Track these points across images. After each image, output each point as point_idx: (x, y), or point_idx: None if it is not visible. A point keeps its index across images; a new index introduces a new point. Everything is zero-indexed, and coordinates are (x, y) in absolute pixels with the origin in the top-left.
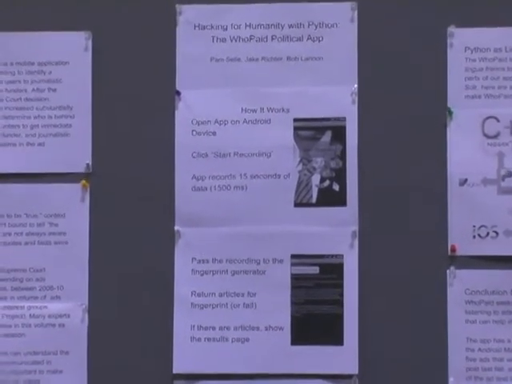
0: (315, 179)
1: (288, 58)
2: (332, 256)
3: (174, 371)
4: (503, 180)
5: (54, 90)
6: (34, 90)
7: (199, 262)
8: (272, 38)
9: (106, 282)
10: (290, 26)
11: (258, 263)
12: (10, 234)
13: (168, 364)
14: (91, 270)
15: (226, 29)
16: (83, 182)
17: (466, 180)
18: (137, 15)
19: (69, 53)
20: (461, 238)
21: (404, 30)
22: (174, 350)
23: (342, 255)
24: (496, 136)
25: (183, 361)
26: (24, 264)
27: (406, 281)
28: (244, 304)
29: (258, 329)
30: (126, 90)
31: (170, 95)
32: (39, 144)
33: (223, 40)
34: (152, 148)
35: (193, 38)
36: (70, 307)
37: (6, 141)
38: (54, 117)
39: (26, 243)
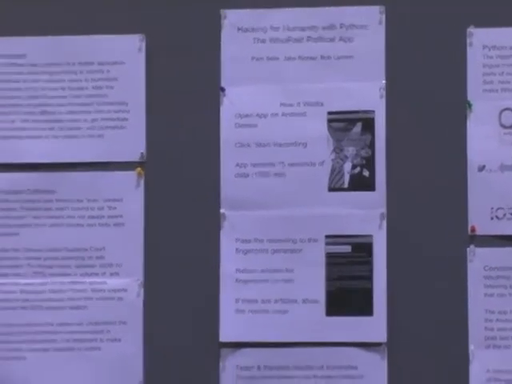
0: (347, 166)
1: (322, 57)
2: (362, 236)
3: (221, 340)
4: None
5: (112, 88)
6: (93, 87)
7: (242, 241)
8: (307, 39)
9: (159, 259)
10: (324, 28)
11: (296, 242)
12: (73, 217)
13: (215, 333)
14: (146, 249)
15: (266, 31)
16: (138, 169)
17: (484, 166)
18: (185, 19)
19: (124, 54)
20: (480, 219)
21: (427, 31)
22: (220, 321)
23: (372, 235)
24: None
25: (229, 331)
26: (86, 244)
27: (429, 258)
28: (283, 279)
29: (295, 302)
30: (175, 86)
31: (215, 91)
32: (99, 136)
33: (263, 41)
34: (199, 139)
35: (236, 40)
36: (127, 282)
37: (70, 133)
38: (111, 111)
39: (88, 225)
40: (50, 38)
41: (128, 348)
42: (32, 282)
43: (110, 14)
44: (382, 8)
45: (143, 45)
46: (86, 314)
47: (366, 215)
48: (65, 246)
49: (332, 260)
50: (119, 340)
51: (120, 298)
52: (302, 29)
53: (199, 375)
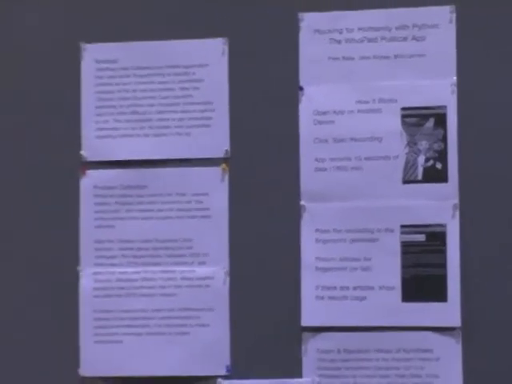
0: (420, 160)
1: (395, 56)
2: (436, 225)
3: (302, 324)
4: None
5: (197, 89)
6: (180, 88)
7: (322, 231)
8: (381, 39)
9: (244, 249)
10: (397, 28)
11: (372, 232)
12: (163, 210)
13: (297, 318)
14: (231, 239)
15: (342, 32)
16: (223, 165)
17: None
18: (265, 23)
19: (209, 56)
20: None
21: (494, 30)
22: (301, 307)
23: (445, 224)
24: None
25: (310, 316)
26: (175, 235)
27: (501, 244)
28: (361, 267)
29: (373, 288)
30: (257, 86)
31: (294, 90)
32: (186, 134)
33: (339, 42)
34: (279, 135)
35: (313, 41)
36: (214, 271)
37: (159, 132)
38: (197, 111)
39: (177, 217)
40: (139, 43)
41: (215, 333)
42: (126, 270)
43: (194, 19)
44: (453, 7)
45: (226, 48)
46: (176, 301)
47: (439, 206)
48: (156, 237)
49: (407, 249)
50: (207, 325)
51: (207, 286)
52: (376, 29)
53: (282, 358)
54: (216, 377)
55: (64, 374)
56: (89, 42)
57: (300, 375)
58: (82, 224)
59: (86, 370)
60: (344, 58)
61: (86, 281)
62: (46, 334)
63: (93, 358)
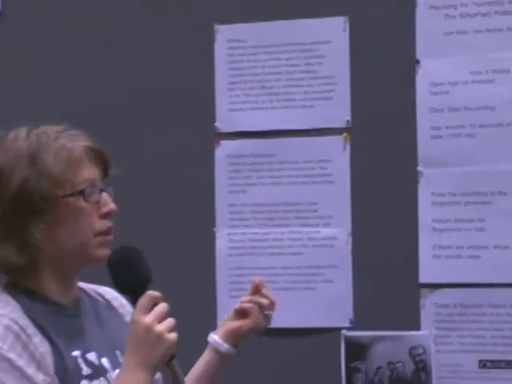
0: None
1: (508, 29)
2: None
3: (420, 281)
4: None
5: (321, 64)
6: (305, 64)
7: (438, 195)
8: (494, 13)
9: (365, 212)
10: (510, 2)
11: (486, 195)
12: (291, 176)
13: (415, 275)
14: (353, 202)
15: (456, 8)
16: (345, 134)
17: None
18: (382, 2)
19: (331, 34)
20: None
21: None
22: (419, 265)
23: None
24: None
25: (427, 273)
26: (302, 199)
27: None
28: (475, 228)
29: (487, 248)
30: (376, 60)
31: (411, 64)
32: (310, 106)
33: (453, 17)
34: (397, 106)
35: (429, 17)
36: (338, 232)
37: (286, 104)
38: (320, 84)
39: (303, 183)
40: (267, 23)
41: (339, 288)
42: (257, 231)
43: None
44: None
45: (347, 25)
46: (302, 259)
47: None
48: (284, 201)
49: None
50: (331, 281)
51: (331, 246)
52: (489, 3)
53: (402, 312)
54: (340, 328)
55: (204, 323)
56: (221, 23)
57: (418, 328)
58: (217, 190)
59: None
60: (458, 32)
61: (222, 241)
62: (185, 289)
63: (228, 311)
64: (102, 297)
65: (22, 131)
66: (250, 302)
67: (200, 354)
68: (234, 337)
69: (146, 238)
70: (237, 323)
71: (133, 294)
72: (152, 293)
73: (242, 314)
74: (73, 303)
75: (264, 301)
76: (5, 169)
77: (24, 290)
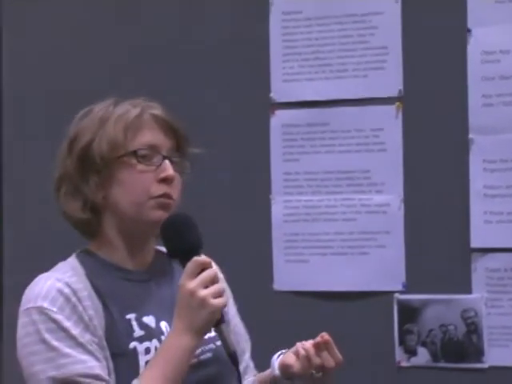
0: None
1: None
2: None
3: (472, 246)
4: None
5: (373, 35)
6: (357, 35)
7: (489, 162)
8: None
9: (417, 179)
10: None
11: None
12: (343, 145)
13: (466, 240)
14: (405, 170)
15: None
16: (397, 103)
17: None
18: None
19: (383, 5)
20: None
21: None
22: (470, 230)
23: None
24: None
25: (478, 238)
26: (354, 167)
27: None
28: None
29: None
30: (427, 30)
31: (462, 33)
32: (363, 76)
33: None
34: (448, 75)
35: None
36: (390, 198)
37: (339, 75)
38: (373, 55)
39: (356, 151)
40: None
41: (392, 253)
42: (311, 199)
43: None
44: None
45: None
46: (355, 225)
47: None
48: (337, 169)
49: None
50: (384, 246)
51: (384, 212)
52: None
53: (453, 276)
54: (393, 292)
55: (260, 288)
56: None
57: (469, 292)
58: (272, 158)
59: (279, 285)
60: (510, 0)
61: (277, 208)
62: (242, 254)
63: (284, 275)
64: None
65: (106, 102)
66: (306, 351)
67: (256, 317)
68: (285, 371)
69: (203, 205)
70: (291, 360)
71: (183, 258)
72: (199, 258)
73: (297, 354)
74: (142, 268)
75: (316, 360)
76: (79, 132)
77: (94, 256)
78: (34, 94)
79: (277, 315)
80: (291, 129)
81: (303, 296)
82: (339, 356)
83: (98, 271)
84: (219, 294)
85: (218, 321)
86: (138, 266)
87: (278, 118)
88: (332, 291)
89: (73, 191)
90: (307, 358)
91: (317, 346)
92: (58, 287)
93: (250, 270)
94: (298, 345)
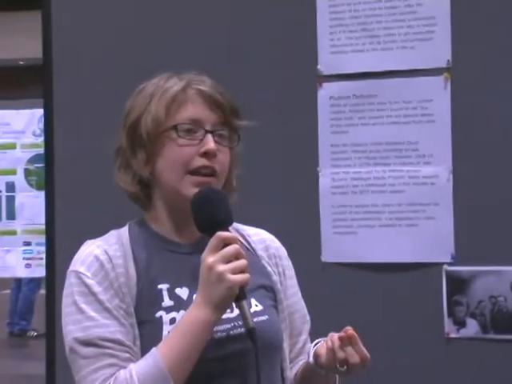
0: None
1: None
2: None
3: None
4: None
5: (421, 5)
6: (405, 5)
7: None
8: None
9: (466, 150)
10: None
11: None
12: (391, 117)
13: None
14: (453, 141)
15: None
16: (445, 74)
17: None
18: None
19: None
20: None
21: None
22: None
23: None
24: None
25: None
26: (403, 138)
27: None
28: None
29: None
30: (474, 1)
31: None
32: (411, 47)
33: None
34: (497, 44)
35: None
36: (438, 170)
37: (386, 46)
38: (421, 25)
39: (404, 123)
40: None
41: (441, 225)
42: (359, 170)
43: None
44: None
45: None
46: (404, 197)
47: None
48: (385, 141)
49: None
50: (433, 218)
51: (433, 183)
52: None
53: (503, 248)
54: (442, 263)
55: (308, 260)
56: None
57: None
58: (320, 130)
59: (327, 256)
60: None
61: (325, 180)
62: (291, 226)
63: (332, 247)
64: (244, 238)
65: (159, 77)
66: (332, 343)
67: (304, 288)
68: (317, 359)
69: (253, 178)
70: (322, 350)
71: (210, 233)
72: (222, 233)
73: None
74: (190, 241)
75: (340, 354)
76: (132, 107)
77: (144, 226)
78: (86, 67)
79: (325, 286)
80: (339, 101)
81: (351, 267)
82: (365, 353)
83: (143, 241)
84: (240, 270)
85: (238, 296)
86: (186, 240)
87: (326, 91)
88: (380, 263)
89: (125, 165)
90: (332, 350)
91: (341, 340)
92: (95, 254)
93: (298, 241)
94: (329, 335)
